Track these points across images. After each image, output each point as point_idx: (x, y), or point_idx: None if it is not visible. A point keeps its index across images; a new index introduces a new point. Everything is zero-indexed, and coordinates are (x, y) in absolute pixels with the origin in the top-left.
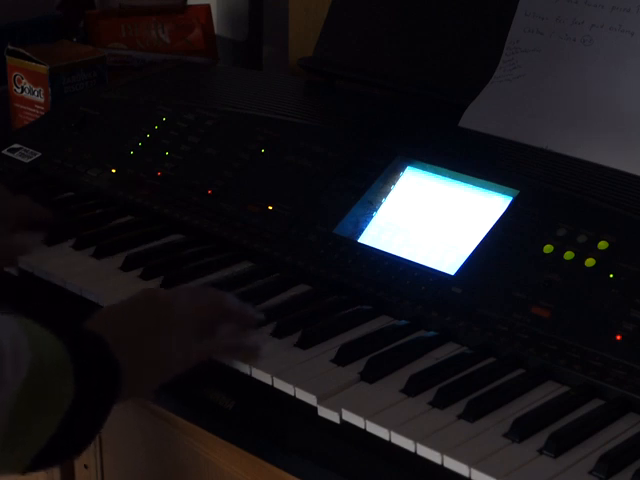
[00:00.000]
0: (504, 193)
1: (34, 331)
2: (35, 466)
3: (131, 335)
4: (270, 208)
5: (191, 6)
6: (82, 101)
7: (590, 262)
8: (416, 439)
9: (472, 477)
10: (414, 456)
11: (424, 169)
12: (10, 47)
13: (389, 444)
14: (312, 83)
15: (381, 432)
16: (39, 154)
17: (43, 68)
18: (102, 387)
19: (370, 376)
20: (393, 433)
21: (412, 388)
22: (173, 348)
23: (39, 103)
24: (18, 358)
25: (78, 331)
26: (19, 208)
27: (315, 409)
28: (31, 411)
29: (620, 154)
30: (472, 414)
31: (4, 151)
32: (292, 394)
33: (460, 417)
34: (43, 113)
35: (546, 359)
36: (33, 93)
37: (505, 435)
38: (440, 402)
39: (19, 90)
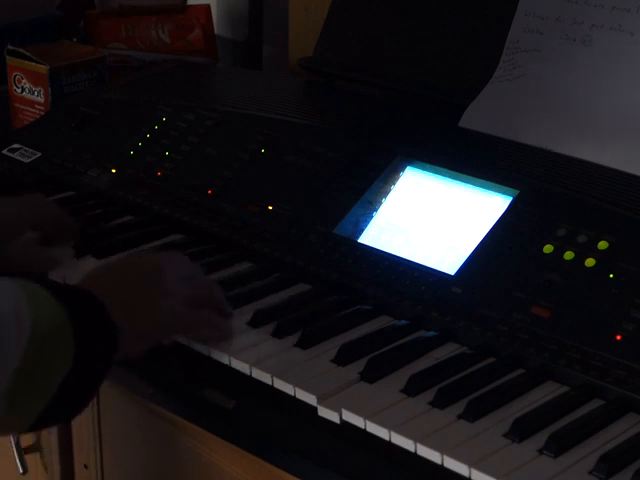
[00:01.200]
0: (504, 193)
1: (33, 292)
2: (38, 424)
3: (122, 293)
4: (270, 208)
5: (191, 6)
6: (82, 101)
7: (590, 262)
8: (416, 439)
9: (472, 477)
10: (414, 456)
11: (424, 169)
12: (10, 47)
13: (389, 444)
14: (312, 83)
15: (381, 432)
16: (39, 154)
17: (43, 68)
18: (101, 345)
19: (370, 376)
20: (393, 433)
21: (412, 388)
22: (159, 310)
23: (39, 103)
24: (20, 318)
25: (73, 290)
26: (53, 218)
27: (315, 409)
28: (35, 370)
29: (620, 154)
30: (472, 414)
31: (4, 151)
32: (292, 394)
33: (460, 417)
34: (43, 113)
35: (546, 359)
36: (33, 93)
37: (505, 435)
38: (440, 402)
39: (19, 90)
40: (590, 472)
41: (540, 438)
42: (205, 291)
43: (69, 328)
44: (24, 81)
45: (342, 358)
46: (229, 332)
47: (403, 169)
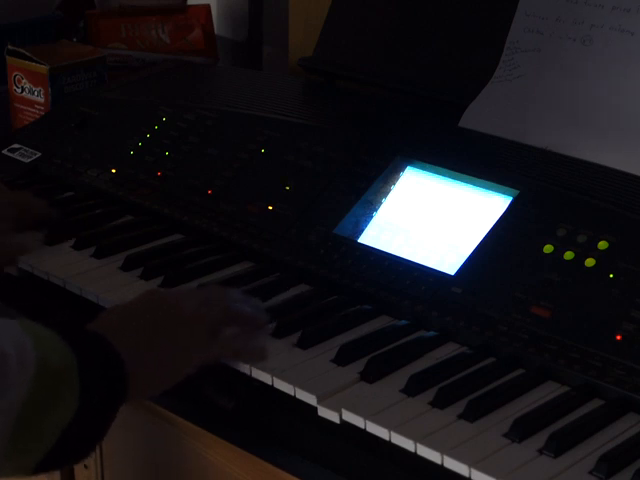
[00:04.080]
0: (504, 193)
1: (37, 332)
2: (42, 468)
3: (135, 335)
4: (270, 208)
5: (191, 6)
6: (82, 101)
7: (590, 262)
8: (416, 439)
9: (472, 477)
10: (414, 456)
11: (424, 169)
12: (10, 47)
13: (389, 444)
14: (312, 83)
15: (381, 432)
16: (39, 154)
17: (43, 68)
18: (108, 389)
19: (370, 376)
20: (393, 433)
21: (412, 388)
22: (178, 350)
23: (39, 103)
24: (23, 361)
25: (82, 332)
26: (20, 205)
27: (315, 409)
28: (37, 414)
29: (620, 154)
30: (472, 414)
31: (4, 151)
32: (292, 394)
33: (460, 417)
34: (43, 113)
35: (546, 359)
36: (33, 93)
37: (505, 435)
38: (440, 402)
39: (19, 90)
40: (590, 472)
41: (540, 438)
42: (224, 311)
43: (75, 370)
44: (24, 81)
45: (342, 358)
46: (260, 349)
47: (403, 169)
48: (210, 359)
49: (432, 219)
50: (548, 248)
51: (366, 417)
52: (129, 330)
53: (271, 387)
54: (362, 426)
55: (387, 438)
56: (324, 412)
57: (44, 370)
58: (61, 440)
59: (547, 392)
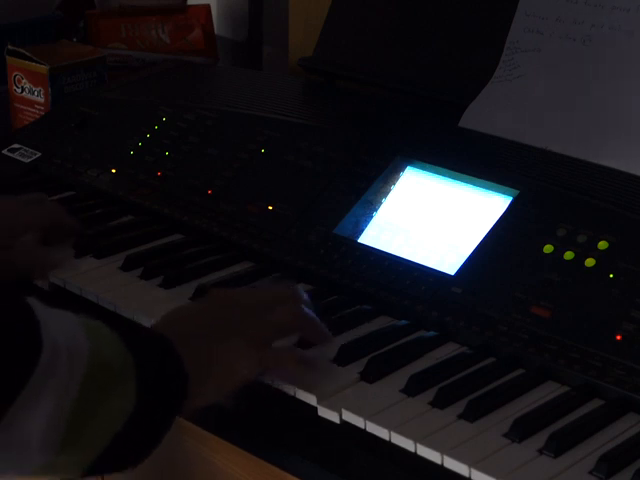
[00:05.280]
0: (504, 193)
1: (95, 330)
2: (93, 471)
3: (197, 338)
4: (270, 208)
5: (191, 6)
6: (82, 101)
7: (590, 262)
8: (416, 439)
9: (472, 477)
10: (414, 456)
11: (424, 169)
12: (10, 47)
13: (389, 444)
14: (312, 83)
15: (381, 432)
16: (39, 154)
17: (43, 68)
18: (167, 394)
19: (370, 376)
20: (393, 433)
21: (412, 388)
22: (236, 356)
23: (39, 103)
24: (75, 359)
25: (142, 333)
26: (53, 217)
27: (315, 409)
28: (89, 414)
29: (620, 154)
30: (472, 414)
31: (4, 151)
32: (292, 394)
33: (460, 417)
34: (43, 113)
35: (546, 359)
36: (33, 93)
37: (505, 435)
38: (440, 402)
39: (19, 90)
40: (590, 472)
41: (540, 438)
42: (294, 321)
43: (132, 371)
44: (24, 81)
45: (342, 358)
46: (318, 362)
47: (403, 169)
48: (264, 369)
49: (432, 219)
50: (548, 248)
51: (366, 417)
52: (190, 332)
53: (271, 387)
54: (362, 426)
55: (387, 438)
56: (324, 412)
57: (98, 364)
58: (115, 442)
59: (547, 392)
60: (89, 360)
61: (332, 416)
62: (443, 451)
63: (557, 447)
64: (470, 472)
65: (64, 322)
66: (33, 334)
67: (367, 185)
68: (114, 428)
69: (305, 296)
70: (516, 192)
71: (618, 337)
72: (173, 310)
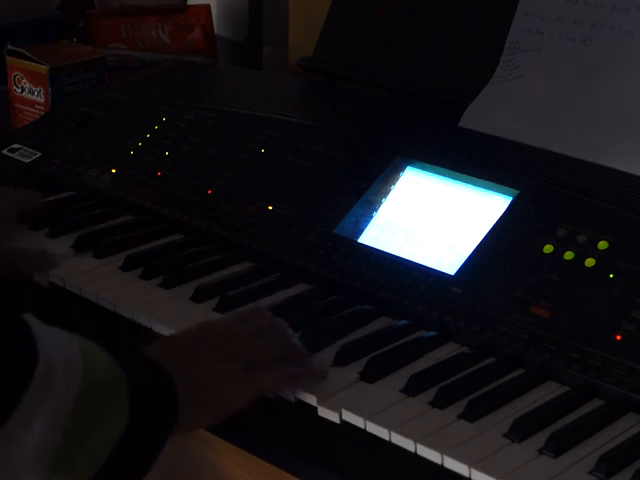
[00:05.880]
0: (504, 193)
1: (90, 348)
2: None
3: (186, 364)
4: (270, 208)
5: (191, 6)
6: (82, 101)
7: (590, 262)
8: (416, 439)
9: (472, 477)
10: (414, 456)
11: (424, 169)
12: (10, 47)
13: (389, 444)
14: (312, 83)
15: (381, 432)
16: (39, 154)
17: (43, 68)
18: (158, 415)
19: (370, 376)
20: (393, 433)
21: (412, 388)
22: (231, 381)
23: (39, 103)
24: (70, 376)
25: (135, 354)
26: (18, 204)
27: (315, 409)
28: (82, 434)
29: (620, 154)
30: (472, 414)
31: (4, 151)
32: (292, 394)
33: (460, 417)
34: (43, 113)
35: (546, 359)
36: (33, 93)
37: (505, 435)
38: (440, 402)
39: (19, 90)
40: (590, 472)
41: (540, 438)
42: (283, 350)
43: (125, 392)
44: (24, 81)
45: (342, 358)
46: (318, 372)
47: (403, 169)
48: (264, 390)
49: (432, 219)
50: (548, 248)
51: (366, 417)
52: (180, 358)
53: None
54: (362, 426)
55: (387, 438)
56: (324, 412)
57: (92, 382)
58: (109, 462)
59: (547, 392)
60: (83, 376)
61: (332, 416)
62: (443, 451)
63: (557, 447)
64: (470, 472)
65: (59, 339)
66: (29, 349)
67: (367, 185)
68: (108, 447)
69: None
70: (516, 192)
71: (618, 337)
72: (161, 339)
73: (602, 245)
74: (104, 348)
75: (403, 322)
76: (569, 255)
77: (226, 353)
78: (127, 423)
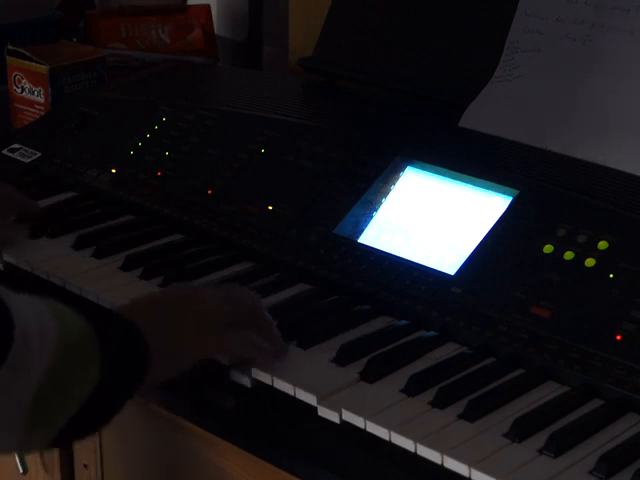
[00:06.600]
0: (504, 193)
1: (62, 312)
2: (57, 442)
3: (155, 317)
4: (270, 208)
5: (191, 6)
6: (82, 101)
7: (590, 262)
8: (416, 439)
9: (472, 477)
10: (414, 456)
11: (424, 169)
12: (10, 47)
13: (389, 444)
14: (312, 83)
15: (381, 432)
16: (39, 154)
17: (43, 68)
18: (130, 360)
19: (370, 376)
20: (393, 433)
21: (412, 388)
22: (195, 333)
23: (39, 103)
24: (45, 339)
25: (106, 313)
26: (2, 198)
27: (315, 409)
28: (56, 392)
29: (620, 154)
30: (472, 414)
31: (4, 151)
32: (292, 394)
33: (460, 417)
34: (43, 113)
35: (546, 359)
36: (33, 93)
37: (505, 435)
38: (440, 402)
39: (19, 90)
40: (590, 472)
41: (540, 438)
42: (249, 314)
43: (97, 351)
44: (24, 81)
45: (342, 358)
46: (274, 354)
47: (403, 169)
48: (224, 349)
49: (432, 219)
50: (548, 248)
51: (366, 417)
52: (149, 313)
53: (271, 387)
54: (362, 426)
55: (387, 438)
56: (324, 412)
57: (65, 345)
58: (80, 415)
59: (547, 392)
60: (58, 340)
61: (332, 416)
62: (443, 451)
63: (557, 447)
64: (470, 472)
65: (32, 305)
66: (4, 319)
67: (367, 185)
68: (79, 400)
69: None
70: (516, 192)
71: (618, 337)
72: (133, 299)
73: (602, 245)
74: (74, 310)
75: (403, 322)
76: (569, 255)
77: (193, 310)
78: (99, 379)
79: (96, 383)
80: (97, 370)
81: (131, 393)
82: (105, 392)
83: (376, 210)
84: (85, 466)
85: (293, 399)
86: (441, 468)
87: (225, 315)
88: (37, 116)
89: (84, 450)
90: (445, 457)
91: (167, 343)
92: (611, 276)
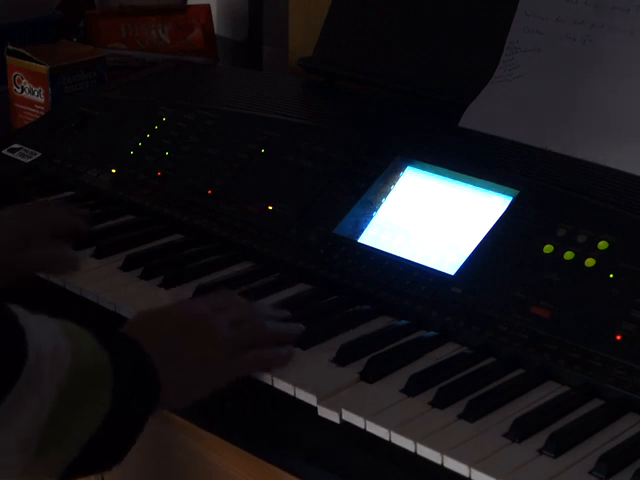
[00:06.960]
0: (504, 193)
1: (76, 334)
2: (71, 473)
3: (166, 345)
4: (270, 208)
5: (191, 6)
6: (82, 101)
7: (590, 262)
8: (416, 439)
9: (472, 477)
10: (414, 456)
11: (424, 169)
12: (10, 47)
13: (389, 444)
14: (312, 83)
15: (381, 432)
16: (39, 154)
17: (43, 68)
18: (141, 391)
19: (370, 376)
20: (393, 433)
21: (412, 388)
22: (207, 364)
23: (39, 103)
24: (57, 359)
25: (115, 334)
26: (54, 222)
27: (315, 409)
28: (67, 417)
29: (620, 154)
30: (472, 414)
31: (4, 151)
32: (292, 394)
33: (460, 417)
34: (43, 113)
35: (546, 359)
36: (33, 93)
37: (505, 435)
38: (440, 402)
39: (19, 90)
40: (590, 472)
41: (540, 438)
42: (256, 333)
43: (110, 377)
44: (24, 81)
45: (342, 358)
46: (287, 356)
47: (403, 169)
48: (240, 374)
49: (432, 219)
50: (548, 248)
51: (366, 417)
52: (160, 339)
53: (271, 387)
54: (362, 426)
55: (387, 438)
56: (324, 412)
57: (78, 369)
58: (91, 443)
59: (547, 392)
60: (71, 363)
61: (332, 416)
62: (443, 451)
63: (557, 447)
64: (470, 472)
65: (47, 327)
66: (18, 342)
67: (367, 185)
68: (91, 428)
69: (266, 308)
70: (516, 192)
71: (618, 337)
72: (140, 314)
73: (602, 245)
74: (87, 330)
75: (403, 322)
76: (569, 255)
77: (204, 338)
78: (110, 405)
79: (107, 410)
80: (109, 393)
81: (143, 421)
82: (118, 417)
83: (376, 210)
84: None
85: (293, 399)
86: (441, 468)
87: (236, 345)
88: (37, 116)
89: None
90: (445, 457)
91: (176, 374)
92: (611, 276)
